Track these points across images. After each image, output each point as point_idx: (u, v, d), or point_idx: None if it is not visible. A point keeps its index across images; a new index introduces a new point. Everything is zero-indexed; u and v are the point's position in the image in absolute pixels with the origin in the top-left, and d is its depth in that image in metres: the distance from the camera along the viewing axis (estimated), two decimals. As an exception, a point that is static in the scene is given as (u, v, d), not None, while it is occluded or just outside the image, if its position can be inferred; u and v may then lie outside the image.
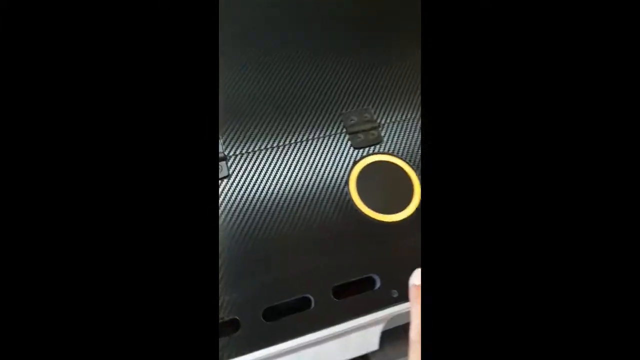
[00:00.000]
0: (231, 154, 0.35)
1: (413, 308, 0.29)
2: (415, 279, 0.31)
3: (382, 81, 0.40)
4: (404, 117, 0.38)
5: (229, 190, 0.34)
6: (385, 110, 0.38)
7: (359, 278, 0.32)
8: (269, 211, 0.33)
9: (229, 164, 0.35)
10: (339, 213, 0.34)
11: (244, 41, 0.40)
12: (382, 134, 0.37)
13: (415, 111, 0.39)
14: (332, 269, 0.32)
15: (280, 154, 0.36)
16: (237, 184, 0.34)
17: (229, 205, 0.33)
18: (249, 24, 0.41)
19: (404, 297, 0.31)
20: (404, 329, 0.35)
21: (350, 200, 0.35)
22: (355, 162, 0.36)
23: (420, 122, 0.38)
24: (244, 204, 0.34)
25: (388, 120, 0.38)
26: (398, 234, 0.34)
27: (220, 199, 0.33)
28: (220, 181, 0.34)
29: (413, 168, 0.36)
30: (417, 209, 0.34)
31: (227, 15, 0.37)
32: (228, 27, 0.39)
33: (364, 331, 0.30)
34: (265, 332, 0.29)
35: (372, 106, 0.38)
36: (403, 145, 0.37)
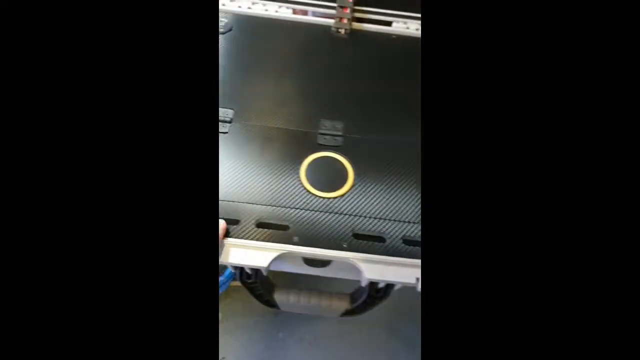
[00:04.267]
0: (236, 121, 0.52)
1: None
2: None
3: (359, 111, 0.54)
4: (363, 137, 0.51)
5: (226, 145, 0.50)
6: (352, 130, 0.52)
7: (277, 223, 0.45)
8: (244, 164, 0.48)
9: (230, 125, 0.51)
10: (288, 181, 0.48)
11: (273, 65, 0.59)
12: (342, 143, 0.51)
13: (373, 135, 0.51)
14: (264, 213, 0.45)
15: (267, 133, 0.51)
16: (233, 143, 0.50)
17: (224, 155, 0.49)
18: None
19: (300, 243, 0.43)
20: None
21: (298, 174, 0.48)
22: (312, 152, 0.50)
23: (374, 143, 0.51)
24: (236, 155, 0.49)
25: (350, 136, 0.51)
26: (318, 206, 0.46)
27: (221, 151, 0.49)
28: (223, 134, 0.51)
29: (353, 168, 0.48)
30: (340, 195, 0.46)
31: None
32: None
33: (262, 252, 0.42)
34: None
35: (344, 123, 0.52)
36: (354, 154, 0.50)
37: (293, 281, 0.54)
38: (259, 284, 0.48)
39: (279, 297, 0.49)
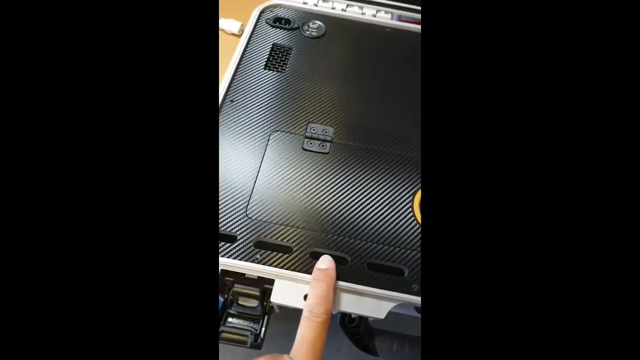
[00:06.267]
0: (336, 140, 0.46)
1: (310, 286, 0.36)
2: (320, 264, 0.37)
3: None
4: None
5: (327, 167, 0.44)
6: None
7: (391, 265, 0.39)
8: (350, 193, 0.43)
9: (330, 145, 0.46)
10: (400, 215, 0.42)
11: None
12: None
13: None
14: (374, 252, 0.40)
15: (372, 156, 0.45)
16: (334, 165, 0.45)
17: (326, 178, 0.44)
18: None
19: (420, 294, 0.37)
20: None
21: (412, 208, 0.42)
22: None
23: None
24: (339, 179, 0.44)
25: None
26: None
27: (322, 173, 0.44)
28: (324, 155, 0.45)
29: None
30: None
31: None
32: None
33: (378, 300, 0.37)
34: None
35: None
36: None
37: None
38: (361, 329, 0.43)
39: (380, 344, 0.44)
